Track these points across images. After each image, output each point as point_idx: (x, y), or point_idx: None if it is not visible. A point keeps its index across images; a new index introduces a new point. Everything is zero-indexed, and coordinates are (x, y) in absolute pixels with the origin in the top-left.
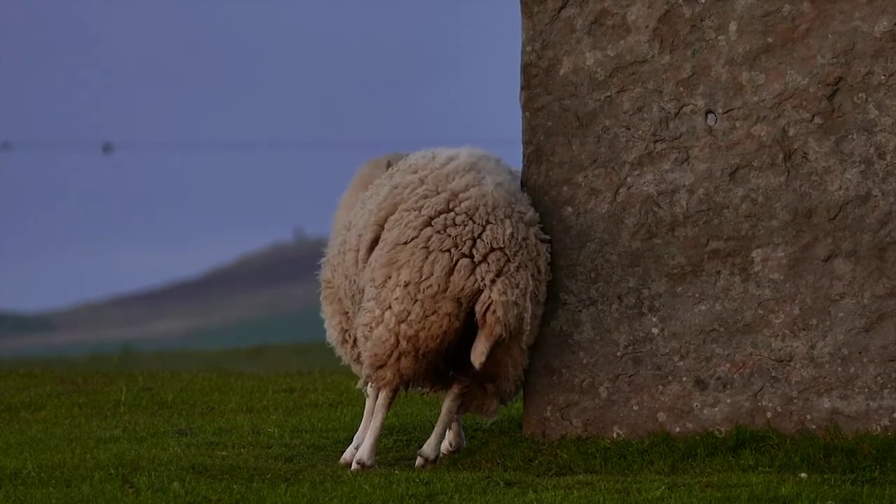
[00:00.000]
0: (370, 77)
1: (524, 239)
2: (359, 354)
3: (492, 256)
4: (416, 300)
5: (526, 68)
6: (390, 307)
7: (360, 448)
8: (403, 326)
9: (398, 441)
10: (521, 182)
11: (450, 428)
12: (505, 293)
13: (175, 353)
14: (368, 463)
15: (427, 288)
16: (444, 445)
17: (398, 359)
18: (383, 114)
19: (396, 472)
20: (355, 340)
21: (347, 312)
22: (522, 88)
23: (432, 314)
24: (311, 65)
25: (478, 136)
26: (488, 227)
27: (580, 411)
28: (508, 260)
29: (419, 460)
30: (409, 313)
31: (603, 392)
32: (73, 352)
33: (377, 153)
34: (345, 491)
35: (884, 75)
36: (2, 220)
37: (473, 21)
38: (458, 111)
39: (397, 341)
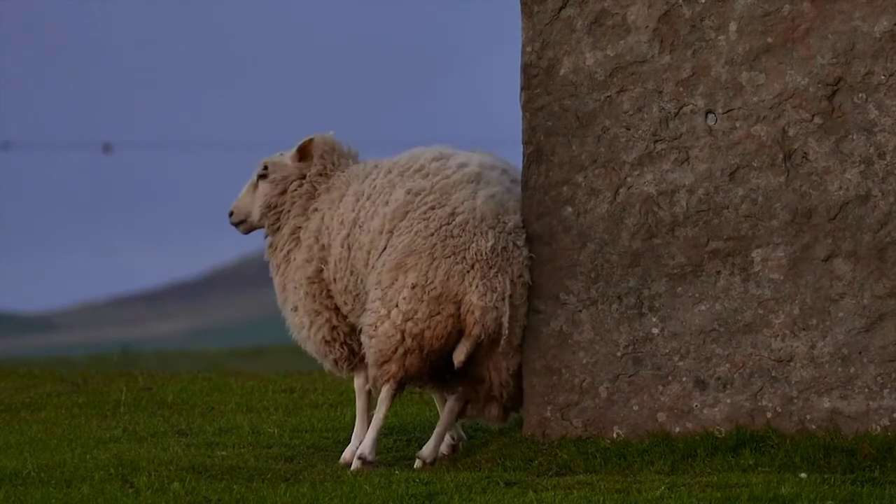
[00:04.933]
0: (371, 77)
1: (504, 249)
2: (349, 353)
3: (477, 265)
4: (423, 300)
5: (526, 68)
6: (397, 306)
7: (362, 443)
8: (409, 324)
9: (398, 441)
10: (522, 183)
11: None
12: (484, 297)
13: (175, 353)
14: (370, 458)
15: (431, 290)
16: (446, 439)
17: (404, 355)
18: (383, 114)
19: (396, 472)
20: (345, 338)
21: (337, 308)
22: (522, 89)
23: (437, 314)
24: (312, 65)
25: (478, 136)
26: (475, 238)
27: (580, 411)
28: (490, 267)
29: (418, 462)
30: (415, 312)
31: (603, 392)
32: (73, 352)
33: (377, 153)
34: (345, 491)
35: (884, 75)
36: (2, 220)
37: (474, 22)
38: (459, 112)
39: (403, 338)
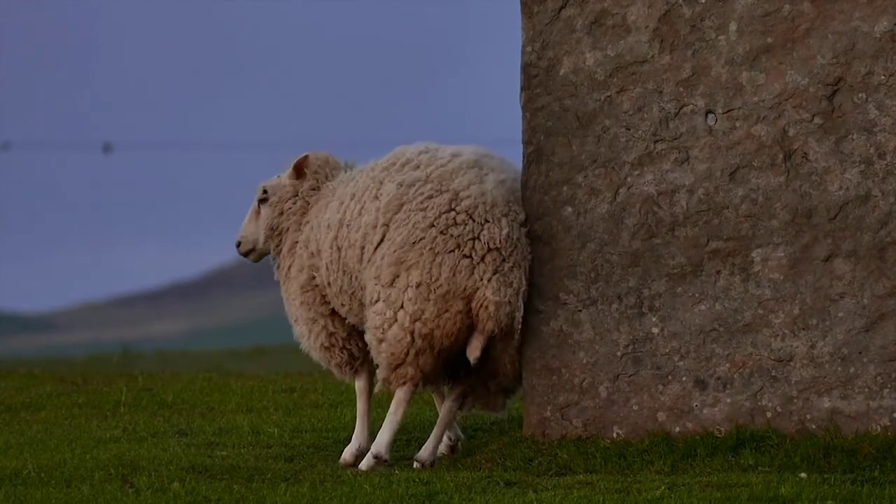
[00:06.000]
0: (371, 77)
1: (518, 240)
2: (349, 357)
3: (489, 257)
4: (429, 300)
5: (526, 68)
6: (403, 307)
7: (377, 441)
8: (418, 325)
9: (398, 441)
10: (522, 183)
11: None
12: (498, 291)
13: (175, 353)
14: (385, 457)
15: (437, 288)
16: (445, 439)
17: (416, 356)
18: (384, 114)
19: (396, 471)
20: (343, 343)
21: (333, 314)
22: (522, 89)
23: (445, 313)
24: (313, 65)
25: (478, 136)
26: (486, 226)
27: (580, 411)
28: (504, 260)
29: (416, 465)
30: (423, 312)
31: (603, 392)
32: (73, 352)
33: (377, 153)
34: (345, 491)
35: (884, 75)
36: (2, 220)
37: (474, 22)
38: (459, 112)
39: (412, 340)
